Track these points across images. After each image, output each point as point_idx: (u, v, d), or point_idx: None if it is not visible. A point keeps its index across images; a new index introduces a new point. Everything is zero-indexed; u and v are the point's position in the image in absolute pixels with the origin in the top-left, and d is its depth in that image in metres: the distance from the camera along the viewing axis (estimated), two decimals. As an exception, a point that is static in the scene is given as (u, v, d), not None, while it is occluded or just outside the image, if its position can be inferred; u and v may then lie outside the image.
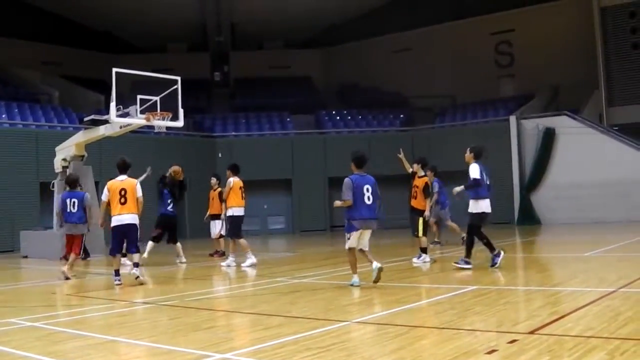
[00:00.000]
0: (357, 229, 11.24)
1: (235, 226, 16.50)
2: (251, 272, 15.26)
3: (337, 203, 11.43)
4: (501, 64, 40.03)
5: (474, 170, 13.19)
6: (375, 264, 11.06)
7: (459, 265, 13.28)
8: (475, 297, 9.67)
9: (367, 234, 11.44)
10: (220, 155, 32.61)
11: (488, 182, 13.39)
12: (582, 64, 35.33)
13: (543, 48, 36.63)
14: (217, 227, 19.49)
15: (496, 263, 13.09)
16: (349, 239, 11.38)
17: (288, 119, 37.59)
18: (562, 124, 31.30)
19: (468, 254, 13.39)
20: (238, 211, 16.22)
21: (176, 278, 14.99)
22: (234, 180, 16.24)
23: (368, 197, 11.23)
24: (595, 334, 6.65)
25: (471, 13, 39.75)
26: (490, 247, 13.28)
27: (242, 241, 16.20)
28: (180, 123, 19.14)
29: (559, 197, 30.38)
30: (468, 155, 13.59)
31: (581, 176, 29.67)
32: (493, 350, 6.14)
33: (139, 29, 41.46)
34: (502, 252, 13.25)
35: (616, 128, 32.66)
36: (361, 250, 11.41)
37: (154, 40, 42.78)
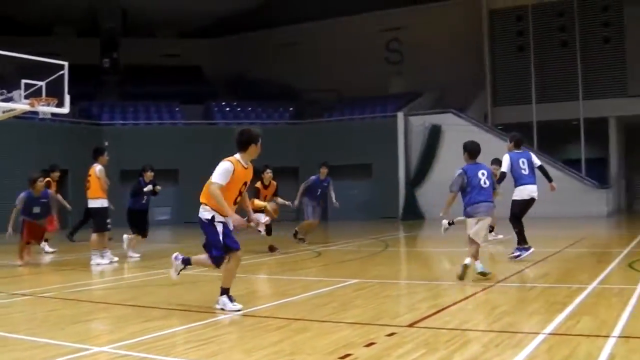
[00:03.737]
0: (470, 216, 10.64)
1: None
2: (134, 264, 15.04)
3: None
4: (391, 61, 40.65)
5: (504, 164, 13.71)
6: (468, 260, 10.47)
7: (518, 254, 12.92)
8: (357, 290, 9.78)
9: (482, 222, 10.64)
10: (106, 143, 31.90)
11: (527, 170, 13.59)
12: (470, 64, 36.32)
13: (432, 47, 37.51)
14: None
15: (517, 255, 12.89)
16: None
17: (177, 109, 37.11)
18: (448, 121, 32.01)
19: (520, 241, 13.15)
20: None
21: (56, 269, 14.60)
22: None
23: (484, 181, 10.66)
24: (471, 327, 6.84)
25: (359, 10, 40.13)
26: (521, 239, 13.12)
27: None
28: (65, 109, 18.62)
29: (442, 193, 30.92)
30: (509, 144, 13.78)
31: (465, 173, 30.30)
32: (372, 343, 6.24)
33: (25, 9, 40.01)
34: (530, 249, 12.94)
35: (500, 127, 33.61)
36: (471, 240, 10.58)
37: (41, 23, 41.51)
